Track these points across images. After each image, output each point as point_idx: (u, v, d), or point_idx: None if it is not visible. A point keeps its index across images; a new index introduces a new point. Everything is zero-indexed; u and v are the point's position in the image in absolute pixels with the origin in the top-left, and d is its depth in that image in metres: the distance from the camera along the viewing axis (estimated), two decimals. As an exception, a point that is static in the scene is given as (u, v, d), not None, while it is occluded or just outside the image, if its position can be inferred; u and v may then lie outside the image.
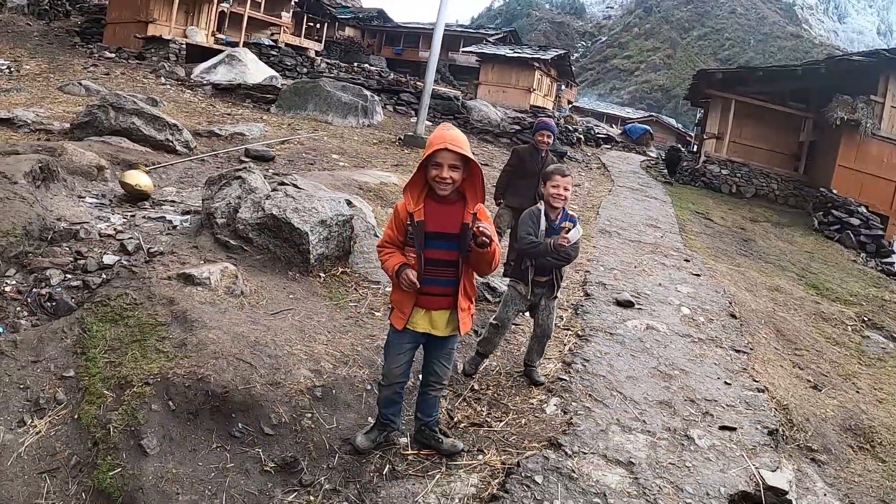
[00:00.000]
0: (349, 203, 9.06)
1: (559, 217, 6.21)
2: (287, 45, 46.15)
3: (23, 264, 6.65)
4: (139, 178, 9.52)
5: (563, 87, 67.02)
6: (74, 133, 13.46)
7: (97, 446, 4.43)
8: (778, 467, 5.36)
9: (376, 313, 7.11)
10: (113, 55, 30.30)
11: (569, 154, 28.35)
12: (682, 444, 5.49)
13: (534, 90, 49.65)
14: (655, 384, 6.65)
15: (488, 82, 50.42)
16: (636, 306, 9.09)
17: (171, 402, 4.63)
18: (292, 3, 51.77)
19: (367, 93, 24.94)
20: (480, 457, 5.00)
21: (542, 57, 52.35)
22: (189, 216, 8.72)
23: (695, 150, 39.53)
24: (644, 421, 5.80)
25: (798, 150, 30.17)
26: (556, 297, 6.50)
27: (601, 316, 8.46)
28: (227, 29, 40.51)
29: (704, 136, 32.29)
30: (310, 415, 4.92)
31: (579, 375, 6.53)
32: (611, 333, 7.89)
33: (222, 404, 4.69)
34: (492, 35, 66.07)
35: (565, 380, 6.39)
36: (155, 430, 4.47)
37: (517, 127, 28.61)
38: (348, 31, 69.50)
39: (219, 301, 6.12)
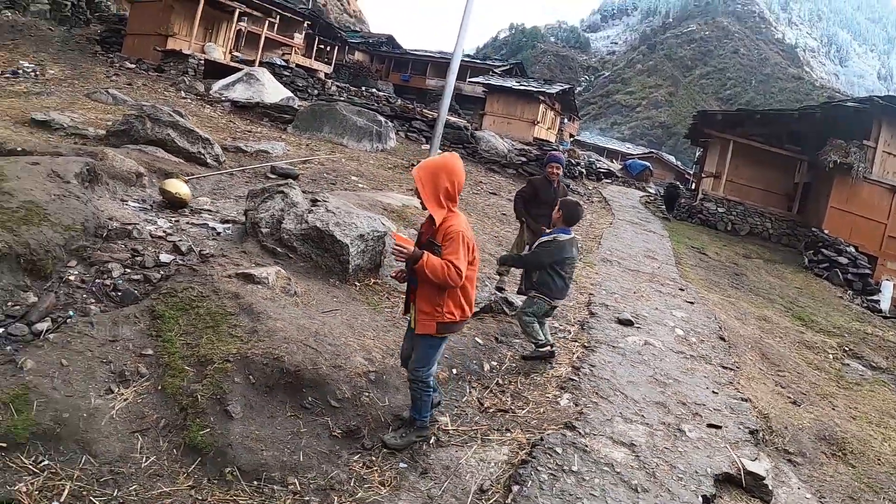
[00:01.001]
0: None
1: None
2: (298, 65, 46.61)
3: (82, 257, 7.43)
4: (179, 187, 10.27)
5: (566, 120, 67.74)
6: (110, 140, 13.94)
7: (185, 411, 5.25)
8: (757, 458, 6.31)
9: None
10: (133, 66, 30.49)
11: (571, 187, 29.10)
12: (675, 435, 6.45)
13: (538, 123, 50.18)
14: (652, 389, 7.60)
15: (494, 113, 50.83)
16: (635, 325, 10.04)
17: (250, 377, 5.52)
18: (305, 25, 52.41)
19: (382, 118, 25.51)
20: (508, 434, 5.98)
21: (548, 91, 52.93)
22: (229, 224, 9.58)
23: (693, 187, 40.35)
24: (643, 416, 6.76)
25: (792, 191, 31.12)
26: (522, 291, 8.15)
27: (604, 332, 9.41)
28: (242, 47, 41.18)
29: (703, 175, 33.17)
30: (367, 394, 5.86)
31: (587, 378, 7.49)
32: (613, 346, 8.84)
33: (295, 381, 5.60)
34: (498, 66, 66.43)
35: (575, 380, 7.36)
36: (238, 399, 5.33)
37: (523, 159, 29.18)
38: (357, 56, 70.11)
39: (277, 298, 7.02)
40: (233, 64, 34.10)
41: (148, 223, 8.83)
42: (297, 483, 4.92)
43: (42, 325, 6.06)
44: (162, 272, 7.35)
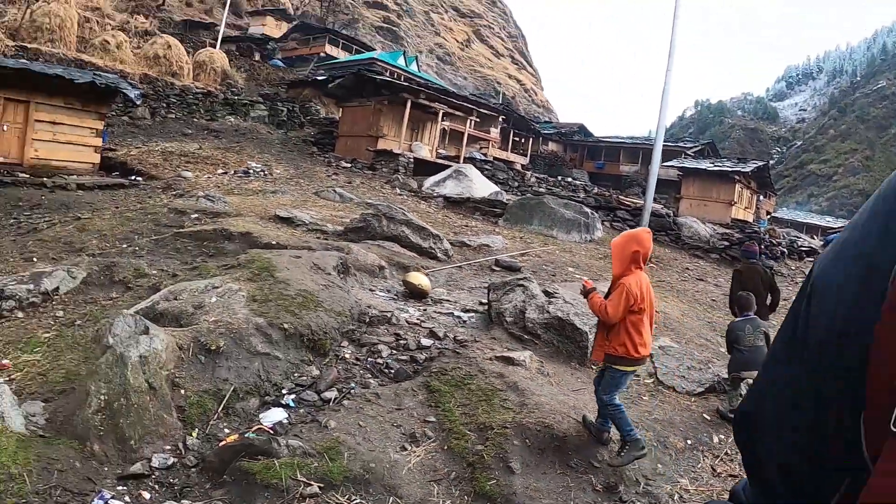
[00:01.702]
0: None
1: None
2: (496, 158, 48.30)
3: (352, 339, 9.03)
4: (420, 279, 11.74)
5: (761, 197, 66.25)
6: (348, 235, 15.53)
7: (471, 466, 6.54)
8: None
9: (644, 398, 9.14)
10: (348, 165, 32.73)
11: (773, 269, 28.70)
12: None
13: (734, 203, 49.06)
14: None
15: (690, 196, 50.44)
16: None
17: (526, 440, 6.84)
18: (500, 119, 54.21)
19: (588, 210, 26.24)
20: (740, 493, 7.03)
21: (743, 169, 51.76)
22: (471, 314, 10.95)
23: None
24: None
25: None
26: None
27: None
28: (446, 144, 43.29)
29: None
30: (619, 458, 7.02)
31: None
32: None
33: (562, 444, 6.89)
34: (690, 148, 65.28)
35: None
36: (517, 458, 6.63)
37: (726, 243, 29.10)
38: (551, 146, 70.58)
39: (534, 378, 8.36)
40: (438, 161, 35.87)
41: (400, 311, 10.32)
42: (572, 525, 6.12)
43: (329, 394, 7.62)
44: (425, 354, 8.77)
